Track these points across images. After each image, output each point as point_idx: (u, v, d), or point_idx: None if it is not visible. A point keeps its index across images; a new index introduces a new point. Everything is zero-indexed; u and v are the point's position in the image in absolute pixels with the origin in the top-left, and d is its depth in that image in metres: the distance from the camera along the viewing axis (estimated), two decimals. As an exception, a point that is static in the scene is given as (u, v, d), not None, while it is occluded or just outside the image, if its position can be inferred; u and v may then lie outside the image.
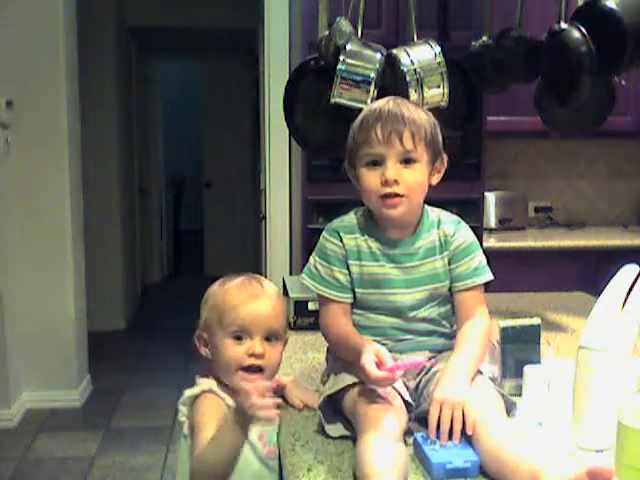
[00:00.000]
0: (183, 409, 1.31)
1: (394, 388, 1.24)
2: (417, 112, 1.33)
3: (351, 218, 1.39)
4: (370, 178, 1.31)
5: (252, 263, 5.81)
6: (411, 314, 1.35)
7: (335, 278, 1.36)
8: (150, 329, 5.62)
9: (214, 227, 7.41)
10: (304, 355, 1.73)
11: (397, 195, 1.30)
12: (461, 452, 1.13)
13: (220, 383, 1.31)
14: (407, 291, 1.34)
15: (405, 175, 1.30)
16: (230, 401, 1.27)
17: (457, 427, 1.15)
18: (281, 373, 1.55)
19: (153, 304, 6.46)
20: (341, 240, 1.36)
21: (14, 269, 3.69)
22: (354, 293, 1.36)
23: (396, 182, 1.29)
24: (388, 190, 1.30)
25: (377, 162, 1.31)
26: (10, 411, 3.64)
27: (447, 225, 1.38)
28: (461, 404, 1.16)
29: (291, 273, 3.61)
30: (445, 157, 1.37)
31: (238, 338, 1.29)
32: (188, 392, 1.30)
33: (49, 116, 3.71)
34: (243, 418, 1.15)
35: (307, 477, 1.12)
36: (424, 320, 1.36)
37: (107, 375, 4.36)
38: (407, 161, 1.30)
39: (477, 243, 1.39)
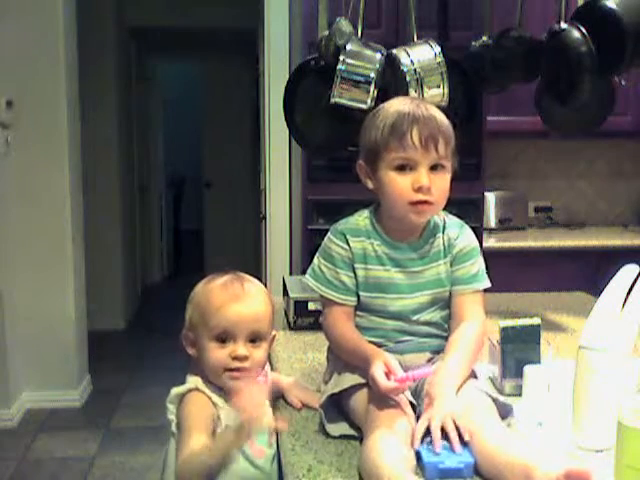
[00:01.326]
0: (170, 407, 1.31)
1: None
2: (443, 116, 1.31)
3: (356, 220, 1.37)
4: (401, 183, 1.27)
5: (252, 263, 5.80)
6: (414, 318, 1.34)
7: (340, 281, 1.34)
8: (150, 329, 5.61)
9: (214, 227, 7.41)
10: (304, 355, 1.73)
11: (427, 202, 1.28)
12: (457, 453, 1.12)
13: (208, 381, 1.31)
14: (410, 295, 1.34)
15: (436, 182, 1.27)
16: (216, 399, 1.28)
17: (452, 435, 1.13)
18: (282, 374, 1.56)
19: (153, 304, 6.46)
20: (348, 243, 1.35)
21: (14, 269, 3.69)
22: (358, 296, 1.35)
23: (428, 189, 1.27)
24: (421, 197, 1.27)
25: (407, 166, 1.27)
26: (10, 411, 3.63)
27: (451, 229, 1.37)
28: (450, 415, 1.14)
29: (291, 273, 3.61)
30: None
31: (222, 341, 1.29)
32: (175, 390, 1.31)
33: (49, 116, 3.71)
34: (242, 430, 1.13)
35: (307, 477, 1.12)
36: (427, 323, 1.35)
37: (107, 375, 4.36)
38: (435, 167, 1.28)
39: (479, 249, 1.39)
